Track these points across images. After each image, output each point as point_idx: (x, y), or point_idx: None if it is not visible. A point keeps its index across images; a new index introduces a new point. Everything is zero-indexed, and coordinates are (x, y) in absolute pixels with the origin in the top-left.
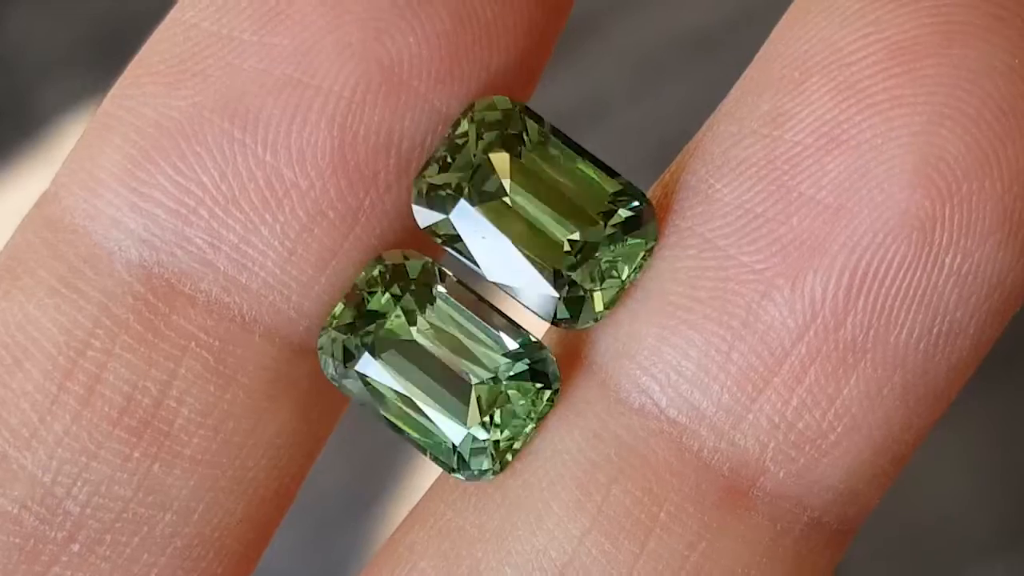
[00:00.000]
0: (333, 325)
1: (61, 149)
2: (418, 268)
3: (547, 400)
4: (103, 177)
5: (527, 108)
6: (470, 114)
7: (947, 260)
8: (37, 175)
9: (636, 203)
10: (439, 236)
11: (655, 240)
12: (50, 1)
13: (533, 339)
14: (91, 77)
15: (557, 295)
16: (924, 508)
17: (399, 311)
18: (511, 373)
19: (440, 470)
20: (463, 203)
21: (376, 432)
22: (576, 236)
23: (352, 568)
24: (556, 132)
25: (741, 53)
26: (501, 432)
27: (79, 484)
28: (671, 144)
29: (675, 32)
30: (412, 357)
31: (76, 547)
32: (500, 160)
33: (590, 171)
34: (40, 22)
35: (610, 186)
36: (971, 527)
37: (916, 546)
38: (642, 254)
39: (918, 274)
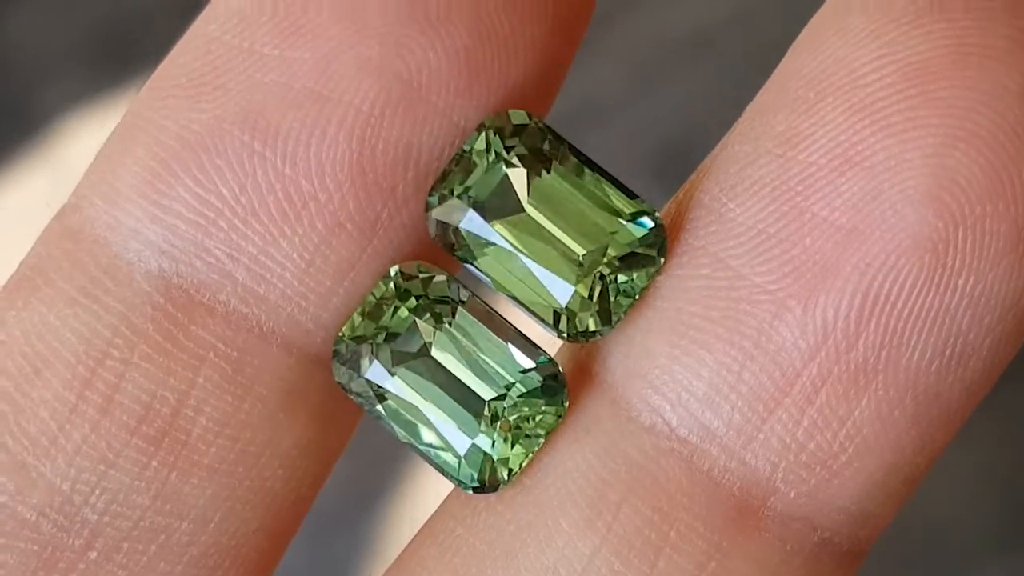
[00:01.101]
0: (348, 336)
1: (61, 149)
2: (434, 281)
3: (556, 416)
4: (123, 189)
5: (545, 123)
6: (487, 128)
7: (960, 282)
8: (37, 175)
9: (648, 221)
10: (453, 249)
11: (663, 257)
12: (50, 1)
13: (545, 356)
14: (91, 77)
15: (568, 309)
16: (922, 511)
17: (414, 323)
18: (523, 389)
19: (450, 484)
20: (477, 216)
21: (377, 433)
22: (588, 252)
23: (352, 568)
24: (573, 149)
25: (740, 53)
26: (511, 447)
27: (97, 492)
28: (670, 144)
29: (675, 32)
30: (425, 370)
31: (93, 555)
32: (517, 175)
33: (604, 188)
34: (40, 22)
35: (621, 203)
36: (969, 530)
37: (914, 549)
38: (651, 272)
39: (931, 296)
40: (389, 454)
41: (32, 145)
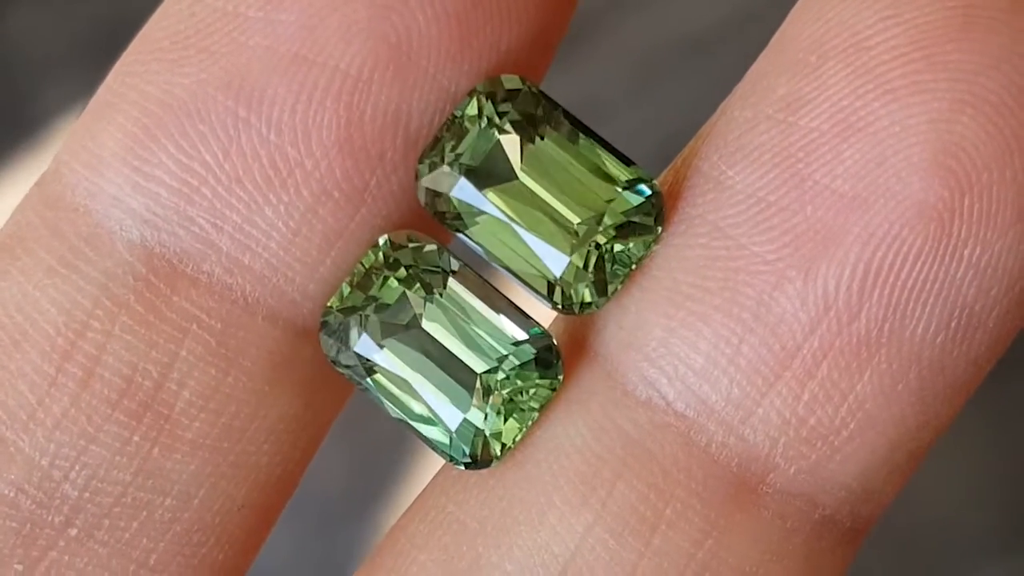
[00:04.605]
0: (336, 307)
1: None
2: (424, 251)
3: (550, 389)
4: (105, 155)
5: (539, 89)
6: (479, 93)
7: (965, 252)
8: (37, 175)
9: (645, 189)
10: (444, 217)
11: (661, 226)
12: (50, 1)
13: (539, 327)
14: (91, 77)
15: (562, 280)
16: (922, 511)
17: (404, 294)
18: (516, 362)
19: (442, 462)
20: (469, 184)
21: (376, 426)
22: (583, 221)
23: (351, 563)
24: (568, 115)
25: (741, 54)
26: (504, 421)
27: (77, 468)
28: (670, 144)
29: (675, 33)
30: (416, 342)
31: (74, 531)
32: (510, 141)
33: (600, 155)
34: (40, 22)
35: (618, 171)
36: (969, 530)
37: (912, 548)
38: (648, 241)
39: (935, 266)
40: (388, 448)
41: (32, 145)
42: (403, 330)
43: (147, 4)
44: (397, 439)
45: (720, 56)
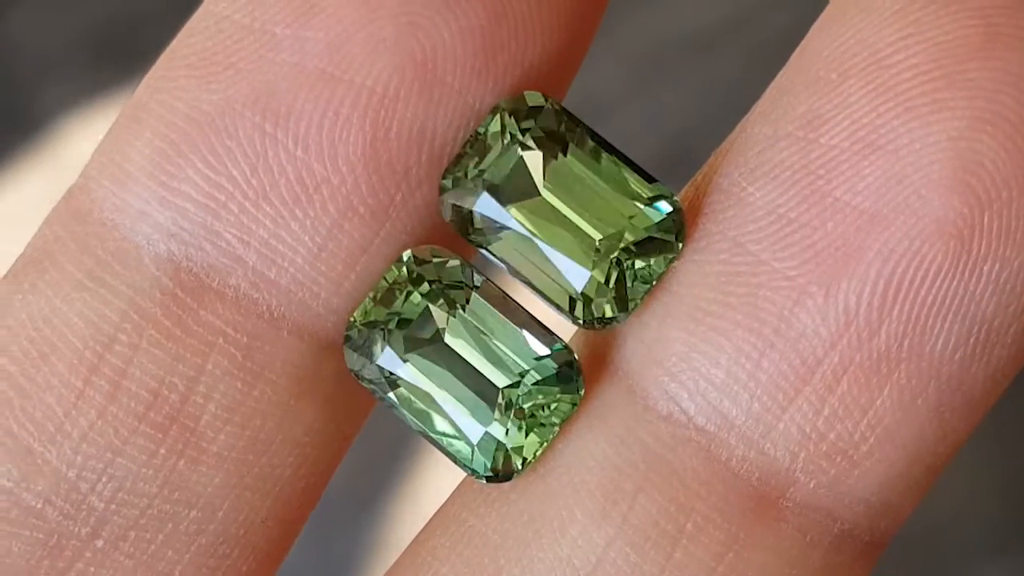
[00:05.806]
0: (360, 321)
1: (61, 149)
2: (447, 266)
3: (571, 404)
4: (132, 170)
5: (561, 105)
6: (502, 110)
7: (985, 269)
8: (37, 175)
9: (666, 206)
10: (468, 233)
11: (682, 243)
12: (50, 1)
13: (560, 342)
14: (91, 77)
15: (584, 295)
16: (922, 512)
17: (427, 309)
18: (537, 377)
19: (453, 479)
20: (492, 200)
21: (378, 430)
22: (605, 237)
23: (351, 566)
24: (590, 131)
25: (741, 53)
26: (525, 436)
27: (104, 480)
28: (671, 144)
29: (675, 32)
30: (439, 356)
31: (100, 543)
32: (533, 158)
33: (621, 171)
34: (40, 22)
35: (640, 187)
36: (969, 530)
37: (914, 549)
38: (669, 257)
39: (955, 283)
40: (391, 451)
41: (32, 145)
42: (426, 344)
43: (147, 5)
44: (398, 442)
45: (721, 55)
